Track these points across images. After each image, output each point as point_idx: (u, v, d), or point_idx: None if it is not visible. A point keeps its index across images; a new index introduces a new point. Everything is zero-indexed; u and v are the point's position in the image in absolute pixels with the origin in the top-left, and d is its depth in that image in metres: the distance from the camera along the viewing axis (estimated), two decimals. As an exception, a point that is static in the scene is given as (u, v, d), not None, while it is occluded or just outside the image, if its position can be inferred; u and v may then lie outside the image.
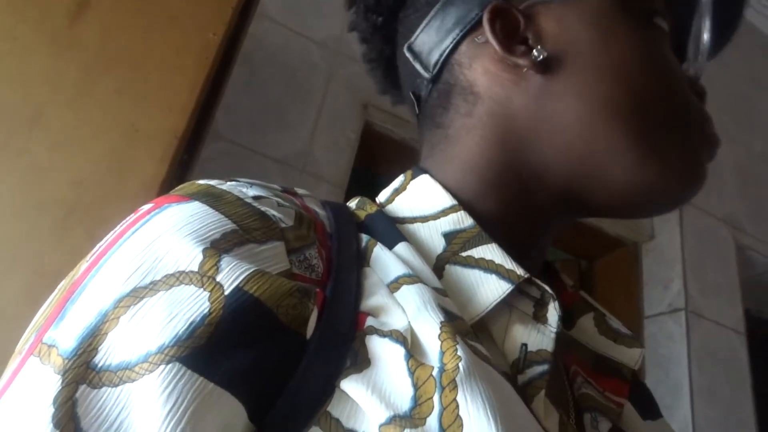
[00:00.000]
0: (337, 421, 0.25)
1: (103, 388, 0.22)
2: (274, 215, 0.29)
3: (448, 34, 0.41)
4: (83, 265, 0.27)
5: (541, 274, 0.43)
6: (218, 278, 0.25)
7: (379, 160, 1.45)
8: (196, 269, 0.25)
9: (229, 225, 0.27)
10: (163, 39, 0.85)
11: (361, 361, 0.26)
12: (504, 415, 0.25)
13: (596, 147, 0.37)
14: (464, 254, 0.35)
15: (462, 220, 0.37)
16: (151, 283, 0.24)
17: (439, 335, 0.27)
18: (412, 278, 0.31)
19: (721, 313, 1.63)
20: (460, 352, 0.26)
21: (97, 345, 0.23)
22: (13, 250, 0.69)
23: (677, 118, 0.38)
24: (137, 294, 0.24)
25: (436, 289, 0.31)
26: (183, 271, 0.25)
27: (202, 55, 0.86)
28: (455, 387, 0.25)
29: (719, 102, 1.81)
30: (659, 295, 1.64)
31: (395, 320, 0.28)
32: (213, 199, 0.29)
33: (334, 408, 0.25)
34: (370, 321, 0.28)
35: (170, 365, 0.22)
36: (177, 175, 0.83)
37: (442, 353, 0.27)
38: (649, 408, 0.44)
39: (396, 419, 0.24)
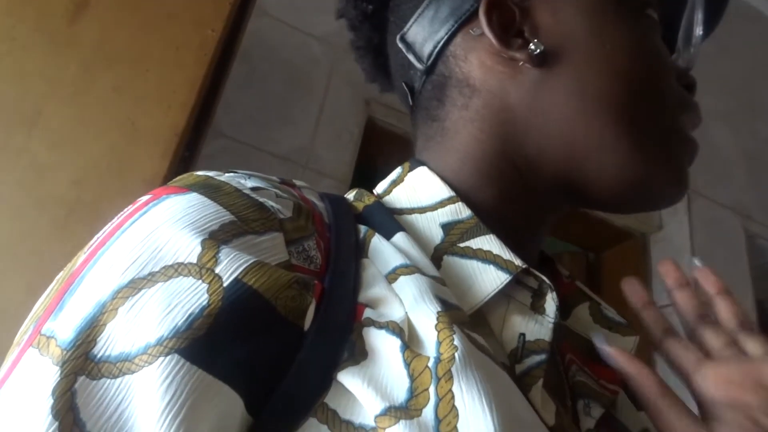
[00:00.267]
0: (334, 412, 0.25)
1: (102, 380, 0.22)
2: (272, 206, 0.29)
3: (442, 26, 0.41)
4: (81, 257, 0.27)
5: (537, 264, 0.43)
6: (217, 270, 0.24)
7: (382, 155, 1.45)
8: (194, 261, 0.25)
9: (228, 216, 0.27)
10: (161, 36, 0.85)
11: (359, 353, 0.26)
12: (500, 405, 0.24)
13: (590, 139, 0.37)
14: (462, 245, 0.35)
15: (460, 211, 0.37)
16: (149, 274, 0.24)
17: (436, 325, 0.27)
18: (410, 269, 0.31)
19: (731, 304, 1.61)
20: (456, 342, 0.26)
21: (96, 336, 0.23)
22: (14, 249, 0.69)
23: (663, 113, 0.38)
24: (135, 285, 0.24)
25: (434, 278, 0.31)
26: (181, 263, 0.24)
27: (201, 52, 0.86)
28: (451, 377, 0.25)
29: (725, 89, 1.80)
30: (668, 287, 1.62)
31: (393, 311, 0.28)
32: (211, 190, 0.28)
33: (332, 399, 0.25)
34: (367, 312, 0.28)
35: (169, 357, 0.22)
36: (178, 172, 0.82)
37: (439, 343, 0.26)
38: None
39: (391, 410, 0.24)
